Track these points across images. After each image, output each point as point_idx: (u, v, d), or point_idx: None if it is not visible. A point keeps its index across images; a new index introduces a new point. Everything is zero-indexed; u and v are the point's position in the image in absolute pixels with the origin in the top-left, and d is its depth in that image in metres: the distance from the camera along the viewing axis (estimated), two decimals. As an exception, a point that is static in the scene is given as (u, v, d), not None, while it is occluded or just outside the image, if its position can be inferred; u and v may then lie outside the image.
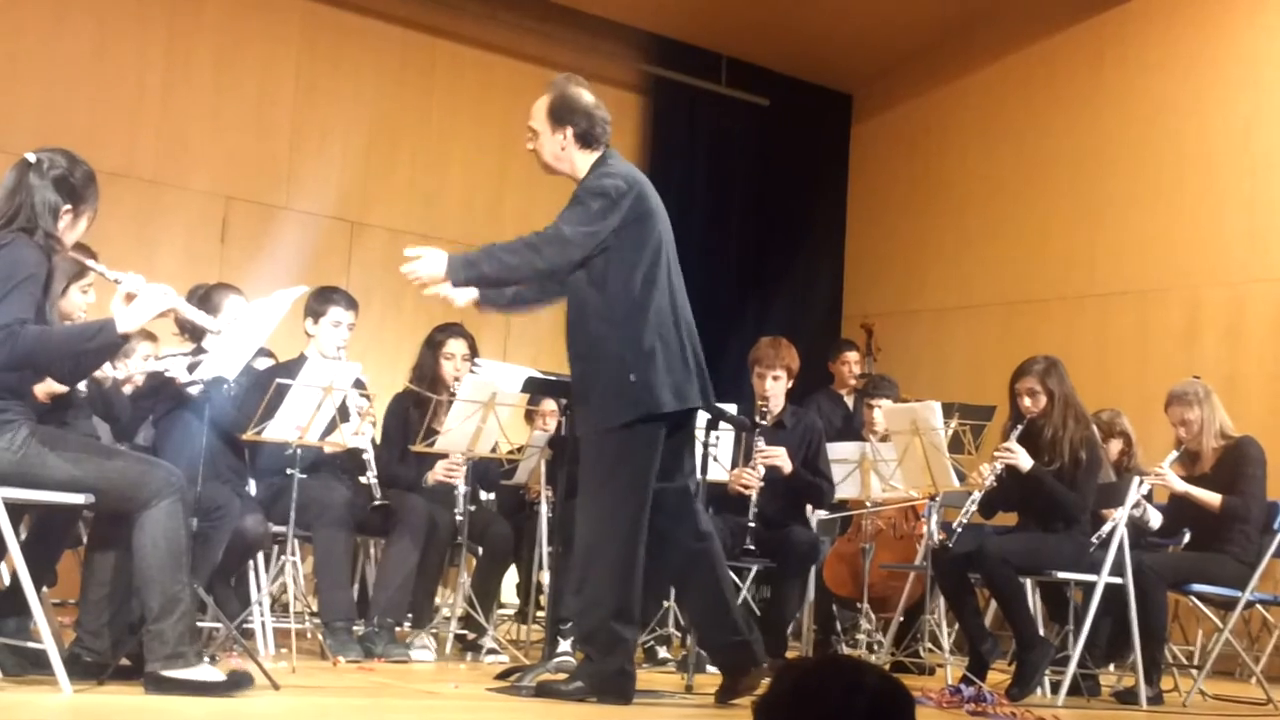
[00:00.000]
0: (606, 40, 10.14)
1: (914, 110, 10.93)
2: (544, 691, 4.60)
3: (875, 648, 6.71)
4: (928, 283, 10.59)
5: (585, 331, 4.60)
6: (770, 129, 10.71)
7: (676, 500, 4.67)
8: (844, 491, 6.67)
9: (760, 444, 6.27)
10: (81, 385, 4.98)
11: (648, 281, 4.57)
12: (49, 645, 4.01)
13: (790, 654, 6.28)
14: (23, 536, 4.44)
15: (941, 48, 10.58)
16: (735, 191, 10.58)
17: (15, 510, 4.18)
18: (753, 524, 6.13)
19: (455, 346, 6.49)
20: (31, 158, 4.20)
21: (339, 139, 9.00)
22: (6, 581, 4.91)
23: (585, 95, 4.70)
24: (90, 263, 4.39)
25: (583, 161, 4.68)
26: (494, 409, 5.86)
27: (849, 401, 8.35)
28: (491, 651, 6.03)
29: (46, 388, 4.78)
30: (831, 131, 11.25)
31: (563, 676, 4.74)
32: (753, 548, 6.15)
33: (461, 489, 6.02)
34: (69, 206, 4.21)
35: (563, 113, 4.66)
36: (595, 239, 4.55)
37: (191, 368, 5.22)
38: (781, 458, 6.28)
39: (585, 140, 4.66)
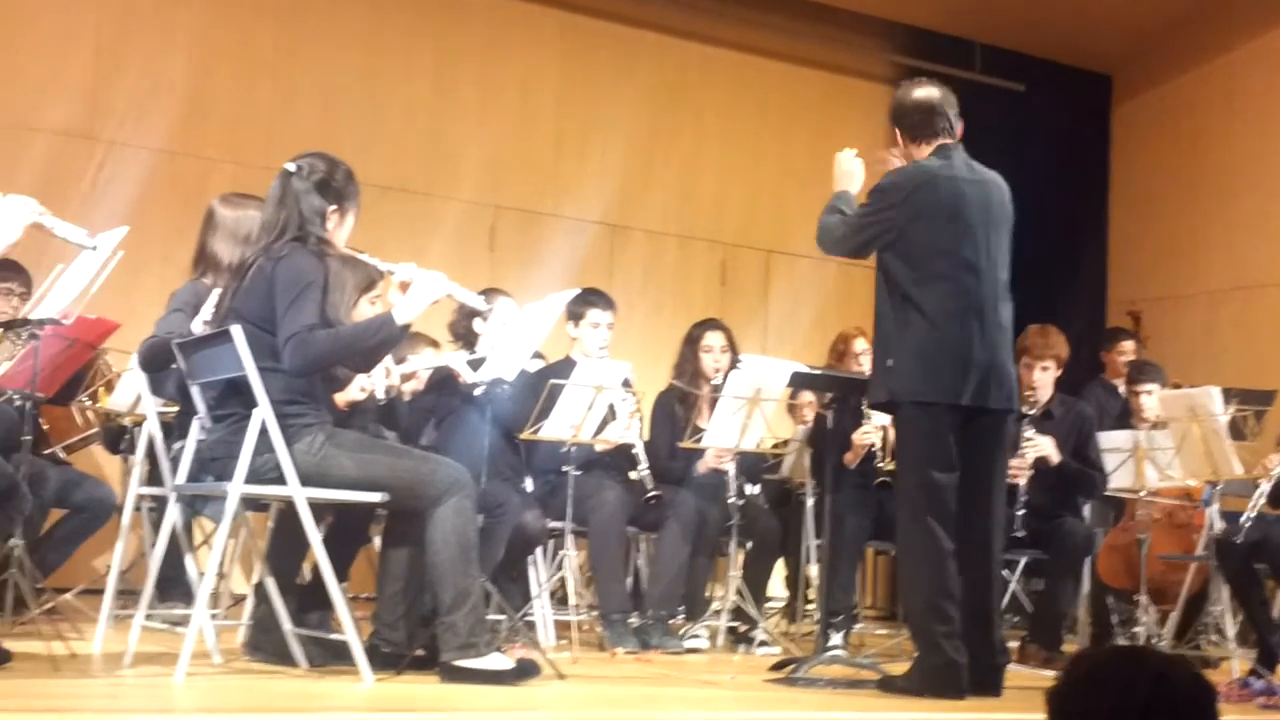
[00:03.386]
0: (856, 34, 10.09)
1: (1177, 88, 10.55)
2: (884, 685, 4.65)
3: (1154, 641, 6.53)
4: (1199, 265, 10.22)
5: (875, 313, 4.83)
6: (1027, 115, 10.47)
7: (971, 511, 4.70)
8: (1118, 481, 6.50)
9: (1028, 432, 6.17)
10: (380, 393, 5.24)
11: (920, 273, 4.66)
12: (351, 637, 4.21)
13: (1066, 648, 6.16)
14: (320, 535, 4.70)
15: (1203, 22, 10.18)
16: (991, 180, 10.35)
17: (317, 510, 4.40)
18: (1021, 510, 6.03)
19: (713, 339, 6.58)
20: (291, 166, 4.39)
21: (598, 145, 9.18)
22: (309, 577, 5.19)
23: (915, 93, 4.85)
24: (364, 256, 4.59)
25: (917, 156, 4.83)
26: (759, 404, 5.92)
27: (1123, 391, 8.12)
28: (763, 644, 6.09)
29: (345, 396, 5.06)
30: (1091, 114, 10.95)
31: (833, 669, 4.81)
32: (1022, 534, 6.03)
33: (733, 477, 6.11)
34: (334, 207, 4.41)
35: (896, 116, 4.87)
36: (861, 232, 4.77)
37: (473, 365, 5.44)
38: (1048, 447, 6.17)
39: (915, 135, 4.82)
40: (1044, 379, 6.28)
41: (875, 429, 6.13)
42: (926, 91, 4.84)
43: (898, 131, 4.87)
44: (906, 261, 4.68)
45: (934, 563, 4.58)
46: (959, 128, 4.87)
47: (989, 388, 4.66)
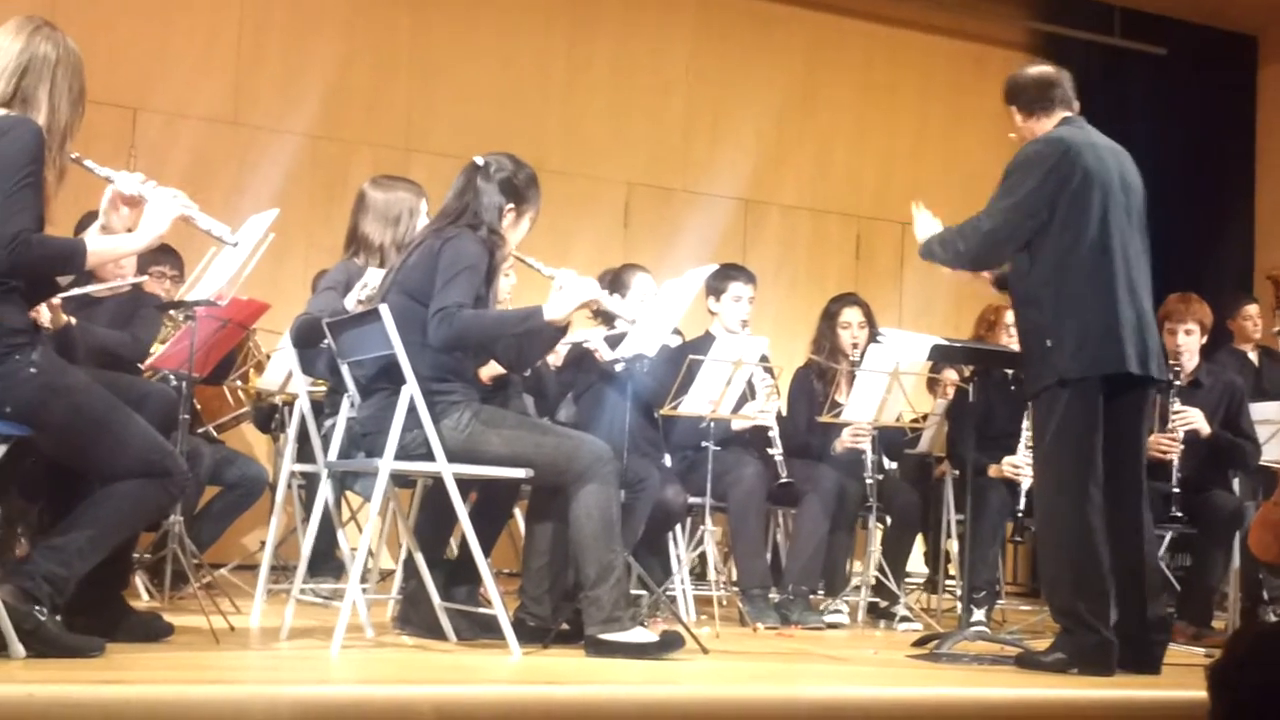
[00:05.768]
0: (992, 1, 9.94)
1: (1327, 48, 10.25)
2: (1024, 662, 4.61)
3: (1308, 617, 6.39)
4: (1352, 230, 9.92)
5: (1017, 298, 4.75)
6: (1168, 79, 10.22)
7: (1117, 483, 4.61)
8: (1269, 454, 6.35)
9: (1176, 405, 6.04)
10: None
11: (1074, 245, 4.57)
12: (499, 611, 4.27)
13: (1216, 624, 6.05)
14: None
15: (1356, -24, 9.87)
16: (1133, 146, 10.03)
17: (463, 486, 4.46)
18: (1176, 489, 5.91)
19: (851, 315, 6.55)
20: (480, 161, 4.55)
21: (732, 120, 9.18)
22: (456, 552, 5.28)
23: (1030, 70, 4.87)
24: (530, 260, 4.70)
25: (1040, 131, 4.76)
26: (898, 379, 5.88)
27: (1254, 358, 7.90)
28: (904, 619, 6.07)
29: (489, 370, 5.13)
30: (1235, 77, 10.63)
31: (977, 645, 4.75)
32: (1178, 514, 5.90)
33: (869, 455, 6.08)
34: (511, 205, 4.54)
35: (1010, 95, 4.84)
36: (1014, 211, 4.63)
37: (611, 343, 5.49)
38: (1199, 419, 6.04)
39: (1032, 109, 4.78)
40: (1188, 344, 6.16)
41: (1027, 463, 5.87)
42: (1041, 68, 4.87)
43: (1014, 110, 4.82)
44: (1055, 235, 4.59)
45: (1083, 540, 4.52)
46: (1076, 104, 4.82)
47: (1149, 355, 4.59)
